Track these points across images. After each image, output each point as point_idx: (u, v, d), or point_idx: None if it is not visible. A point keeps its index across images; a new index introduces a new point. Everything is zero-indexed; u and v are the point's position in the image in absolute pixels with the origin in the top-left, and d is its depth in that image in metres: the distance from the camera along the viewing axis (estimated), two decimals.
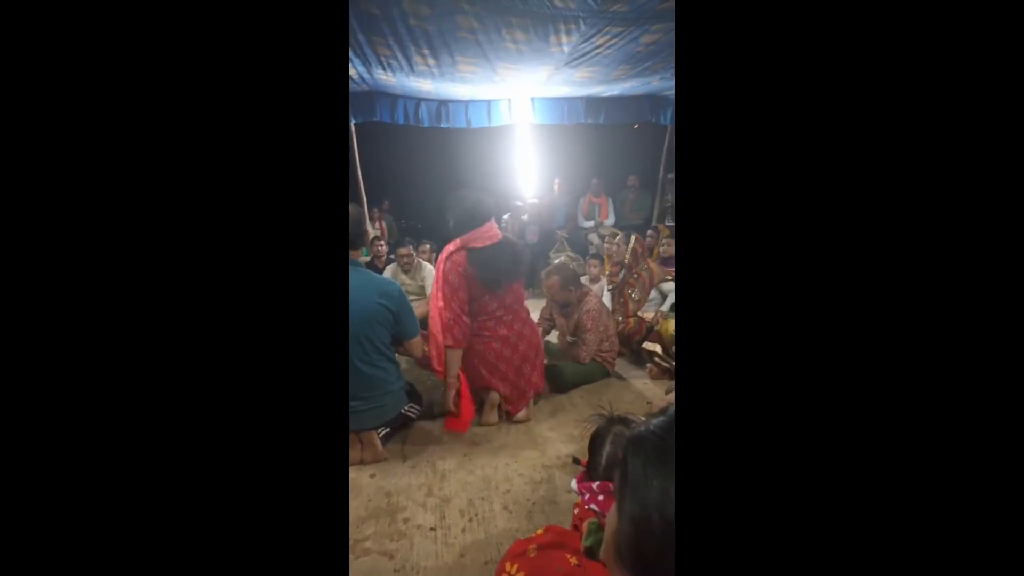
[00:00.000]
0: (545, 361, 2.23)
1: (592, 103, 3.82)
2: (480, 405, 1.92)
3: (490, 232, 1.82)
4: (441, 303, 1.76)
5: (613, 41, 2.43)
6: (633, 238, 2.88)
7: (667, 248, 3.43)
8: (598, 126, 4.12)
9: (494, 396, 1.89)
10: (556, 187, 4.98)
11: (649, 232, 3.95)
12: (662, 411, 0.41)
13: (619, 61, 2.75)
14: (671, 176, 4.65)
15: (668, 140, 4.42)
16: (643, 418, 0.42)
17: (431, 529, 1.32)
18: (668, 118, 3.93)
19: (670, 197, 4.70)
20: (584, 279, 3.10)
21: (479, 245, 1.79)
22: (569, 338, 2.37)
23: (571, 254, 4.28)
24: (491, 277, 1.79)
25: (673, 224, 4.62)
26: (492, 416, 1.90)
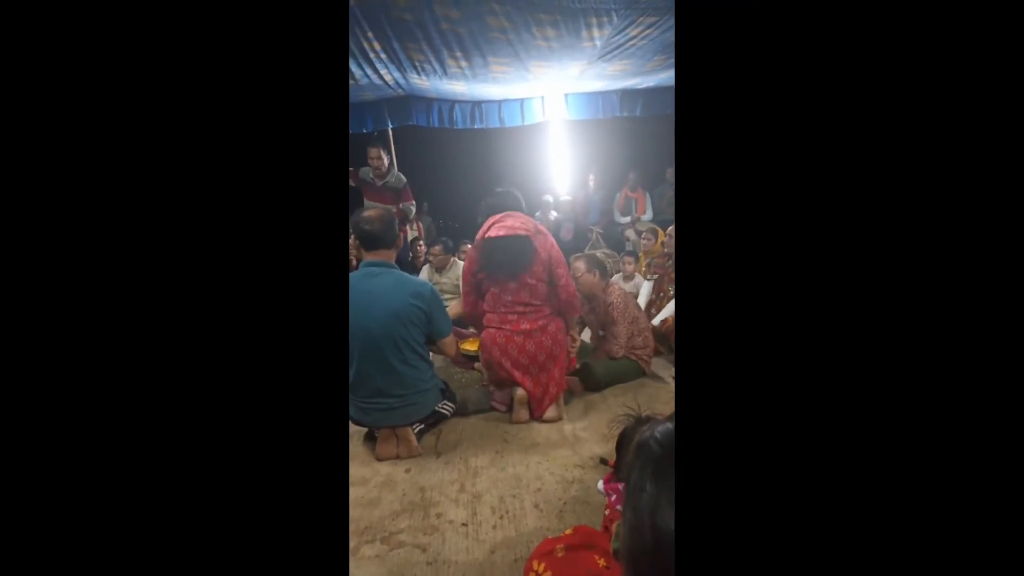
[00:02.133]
0: (577, 364, 2.21)
1: (627, 95, 3.74)
2: (510, 403, 1.94)
3: (509, 223, 1.85)
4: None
5: (648, 32, 2.37)
6: (670, 230, 2.79)
7: None
8: (634, 118, 4.02)
9: (521, 393, 1.90)
10: (591, 183, 4.91)
11: None
12: (671, 417, 0.40)
13: (654, 51, 2.67)
14: None
15: None
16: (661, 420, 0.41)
17: (463, 524, 1.34)
18: None
19: None
20: (618, 277, 3.04)
21: (495, 234, 1.84)
22: (600, 332, 2.34)
23: (606, 251, 4.21)
24: (494, 267, 1.83)
25: None
26: (523, 414, 1.91)
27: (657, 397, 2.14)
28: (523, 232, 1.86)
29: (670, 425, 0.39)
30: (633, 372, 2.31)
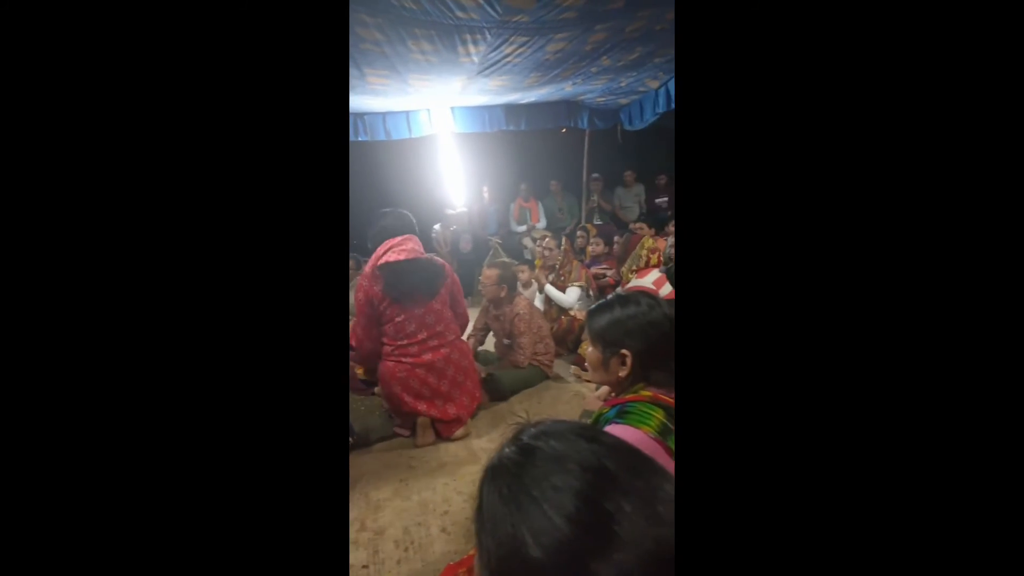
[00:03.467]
0: (483, 374, 2.21)
1: (512, 110, 3.87)
2: (413, 427, 1.86)
3: (405, 245, 1.78)
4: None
5: (521, 50, 2.47)
6: (563, 240, 2.93)
7: (595, 247, 3.54)
8: (520, 132, 4.19)
9: (423, 419, 1.84)
10: (485, 194, 4.99)
11: (579, 232, 4.07)
12: (519, 432, 0.39)
13: (530, 69, 2.80)
14: (596, 176, 4.82)
15: (588, 143, 4.58)
16: (549, 423, 0.39)
17: (363, 567, 1.24)
18: (585, 122, 4.08)
19: (595, 198, 4.87)
20: (518, 287, 3.12)
21: (395, 258, 1.75)
22: (505, 341, 2.37)
23: (507, 260, 4.30)
24: (399, 292, 1.75)
25: (600, 223, 4.79)
26: (428, 436, 1.85)
27: (560, 398, 2.23)
28: (426, 255, 1.81)
29: (522, 441, 0.37)
30: (537, 377, 2.37)
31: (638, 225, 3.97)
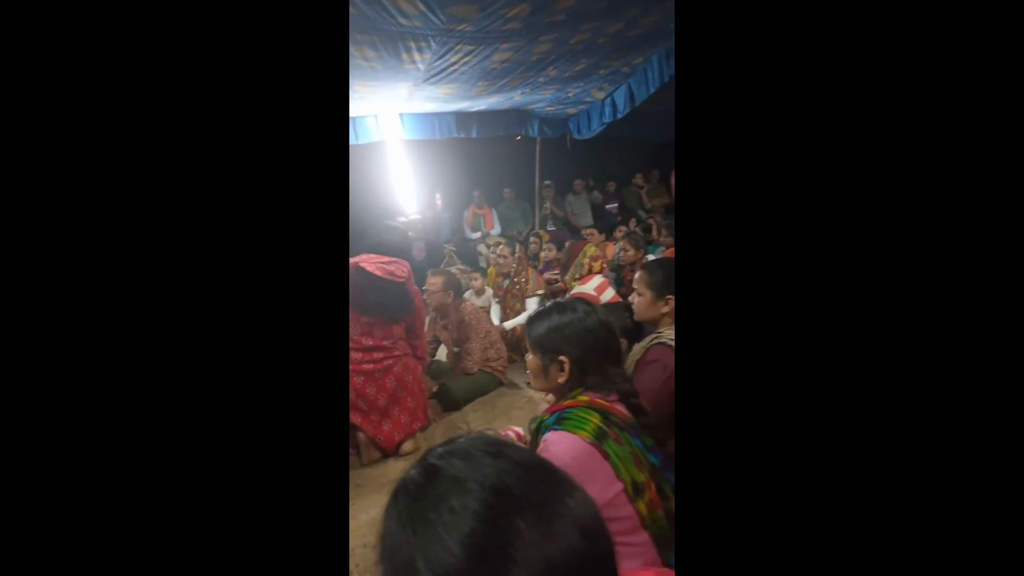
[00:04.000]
0: (434, 388, 2.17)
1: (462, 118, 3.87)
2: (357, 445, 1.80)
3: (390, 266, 1.73)
4: None
5: (467, 59, 2.48)
6: (516, 247, 2.96)
7: (548, 253, 3.59)
8: (471, 139, 4.19)
9: (363, 435, 1.78)
10: (438, 201, 4.95)
11: (532, 238, 4.11)
12: (427, 452, 0.38)
13: (477, 78, 2.81)
14: (548, 183, 4.91)
15: (539, 151, 4.66)
16: (461, 439, 0.38)
17: None
18: (536, 131, 4.14)
19: (548, 205, 4.95)
20: (469, 293, 3.11)
21: (369, 268, 1.70)
22: (455, 349, 2.35)
23: (461, 267, 4.28)
24: (360, 300, 1.71)
25: (553, 229, 4.88)
26: (373, 453, 1.79)
27: (513, 404, 2.23)
28: (401, 281, 1.76)
29: (426, 462, 0.36)
30: (491, 384, 2.36)
31: (589, 231, 4.07)
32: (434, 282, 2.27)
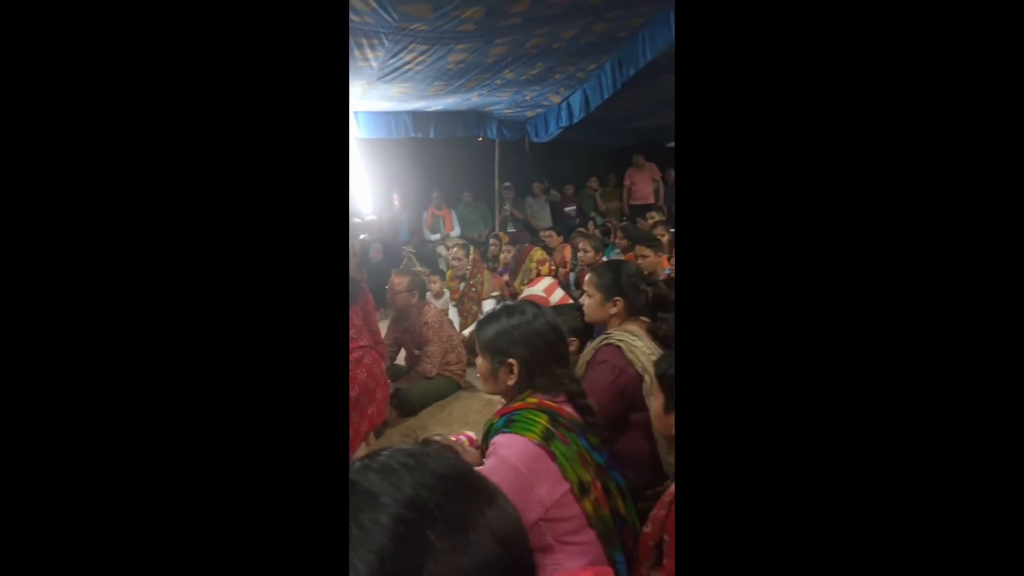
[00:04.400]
0: (391, 389, 2.12)
1: (419, 117, 3.82)
2: None
3: None
4: None
5: (421, 58, 2.45)
6: (471, 250, 2.95)
7: (506, 255, 3.60)
8: (429, 140, 4.14)
9: None
10: (396, 202, 4.86)
11: (492, 240, 4.12)
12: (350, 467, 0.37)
13: (432, 78, 2.79)
14: (507, 184, 4.92)
15: (498, 153, 4.67)
16: (385, 452, 0.37)
17: None
18: (494, 133, 4.15)
19: (508, 207, 4.98)
20: (428, 296, 3.07)
21: None
22: (416, 351, 2.31)
23: (420, 269, 4.22)
24: None
25: (513, 231, 4.90)
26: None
27: (471, 407, 2.21)
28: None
29: (358, 463, 0.35)
30: (449, 388, 2.33)
31: (547, 233, 4.12)
32: (399, 282, 2.22)
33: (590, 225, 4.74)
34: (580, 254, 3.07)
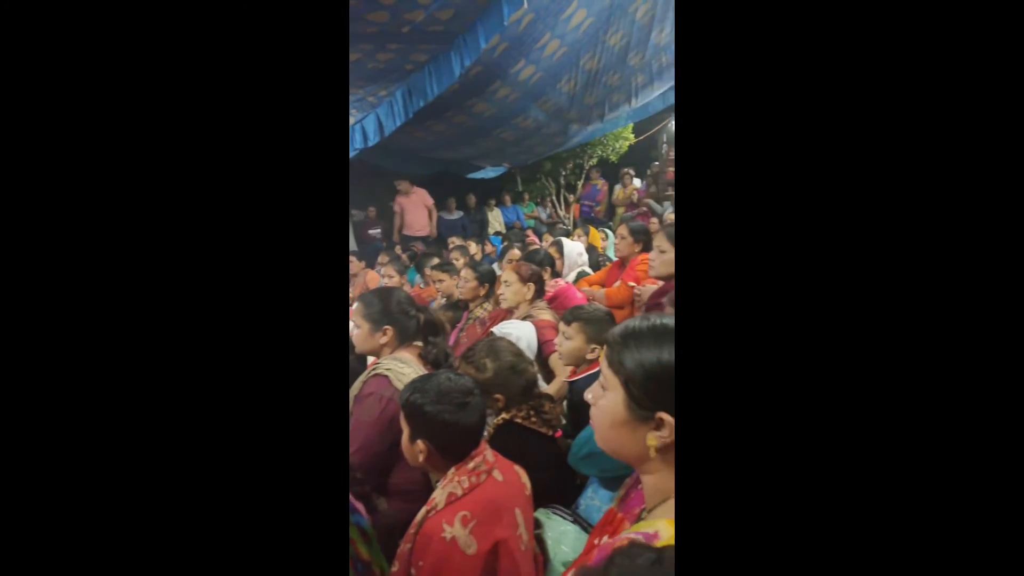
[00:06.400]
0: None
1: None
2: None
3: None
4: None
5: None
6: None
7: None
8: None
9: None
10: None
11: None
12: None
13: None
14: None
15: None
16: None
17: None
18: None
19: None
20: None
21: None
22: None
23: None
24: None
25: None
26: None
27: None
28: None
29: None
30: None
31: (349, 257, 3.89)
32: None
33: (396, 248, 4.68)
34: (384, 280, 2.97)
